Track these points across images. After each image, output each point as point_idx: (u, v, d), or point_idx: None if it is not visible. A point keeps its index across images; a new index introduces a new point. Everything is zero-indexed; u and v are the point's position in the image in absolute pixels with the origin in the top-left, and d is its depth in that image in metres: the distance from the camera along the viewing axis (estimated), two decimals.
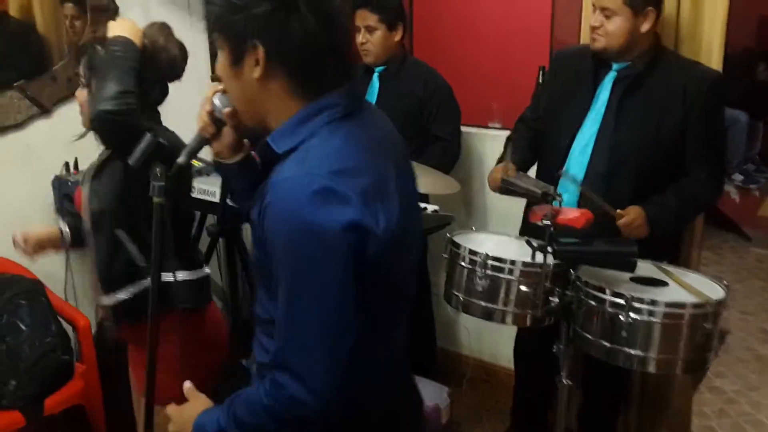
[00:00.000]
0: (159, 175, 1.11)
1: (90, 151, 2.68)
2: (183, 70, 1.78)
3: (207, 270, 1.87)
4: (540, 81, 2.58)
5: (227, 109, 1.14)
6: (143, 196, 1.34)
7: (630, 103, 2.06)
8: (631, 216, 1.99)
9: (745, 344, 3.49)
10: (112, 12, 2.76)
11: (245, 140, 1.22)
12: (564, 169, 2.09)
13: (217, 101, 1.15)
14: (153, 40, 1.72)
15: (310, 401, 0.99)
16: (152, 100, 1.76)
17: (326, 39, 1.04)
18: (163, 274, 1.55)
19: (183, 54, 1.77)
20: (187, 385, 1.21)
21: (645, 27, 2.01)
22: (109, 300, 1.76)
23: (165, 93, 1.78)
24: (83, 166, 2.60)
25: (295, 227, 0.97)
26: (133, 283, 1.73)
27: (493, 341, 3.06)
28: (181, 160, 1.17)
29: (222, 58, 1.08)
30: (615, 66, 2.10)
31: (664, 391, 2.49)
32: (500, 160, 2.32)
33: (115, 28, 1.68)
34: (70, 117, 2.64)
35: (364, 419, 1.11)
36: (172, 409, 1.20)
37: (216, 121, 1.16)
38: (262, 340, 1.18)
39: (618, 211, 1.99)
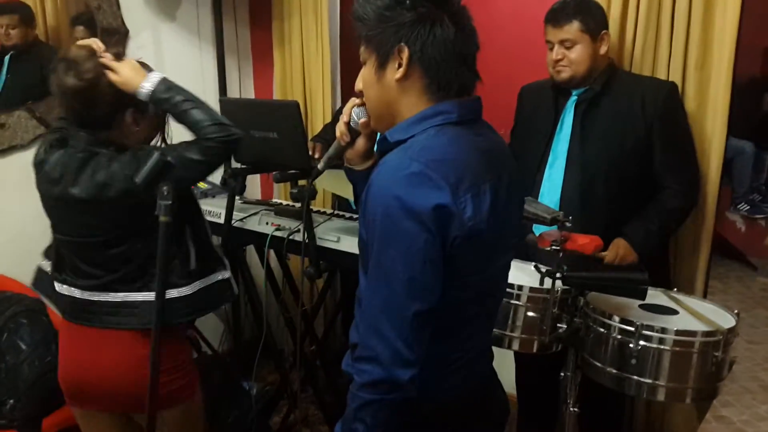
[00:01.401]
0: (165, 193, 1.09)
1: None
2: None
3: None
4: None
5: (363, 120, 1.28)
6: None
7: (593, 122, 2.14)
8: (613, 251, 2.06)
9: (752, 374, 3.45)
10: (123, 35, 2.79)
11: (374, 150, 1.35)
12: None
13: (353, 113, 1.30)
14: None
15: (391, 376, 1.07)
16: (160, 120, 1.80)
17: (460, 49, 1.17)
18: None
19: None
20: None
21: (603, 49, 2.14)
22: None
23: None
24: None
25: (389, 200, 1.07)
26: None
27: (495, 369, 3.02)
28: (320, 166, 1.36)
29: (368, 67, 1.21)
30: (574, 92, 2.19)
31: (668, 420, 2.46)
32: None
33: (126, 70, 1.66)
34: None
35: (435, 410, 1.19)
36: None
37: (351, 130, 1.31)
38: (357, 317, 1.25)
39: (601, 253, 2.03)
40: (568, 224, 1.74)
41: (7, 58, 2.55)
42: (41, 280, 1.87)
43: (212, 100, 3.09)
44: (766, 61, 5.50)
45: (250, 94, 3.39)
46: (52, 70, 1.65)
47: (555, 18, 2.12)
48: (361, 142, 1.33)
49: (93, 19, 2.71)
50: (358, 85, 1.26)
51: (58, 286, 1.77)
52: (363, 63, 1.23)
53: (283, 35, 3.16)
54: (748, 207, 5.16)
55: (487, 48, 3.13)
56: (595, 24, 2.10)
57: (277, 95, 3.29)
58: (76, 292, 1.73)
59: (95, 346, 1.73)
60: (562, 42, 2.11)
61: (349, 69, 3.13)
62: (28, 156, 2.51)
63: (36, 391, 2.18)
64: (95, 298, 1.71)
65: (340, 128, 1.32)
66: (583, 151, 2.13)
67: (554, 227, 1.79)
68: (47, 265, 1.85)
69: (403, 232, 1.06)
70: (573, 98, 2.19)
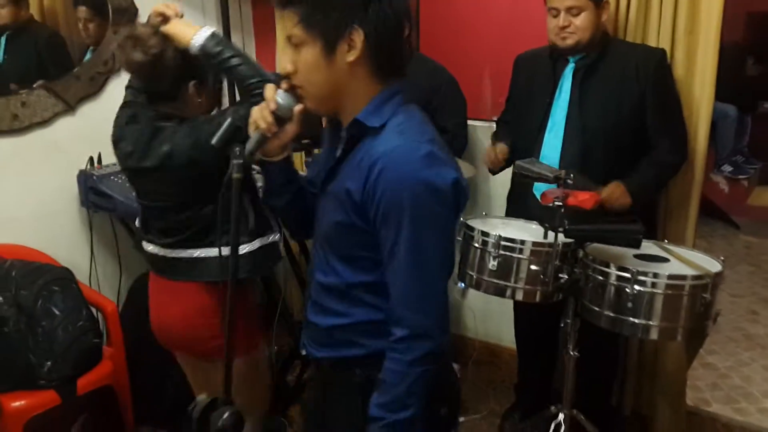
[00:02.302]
0: (238, 153, 1.22)
1: (111, 146, 2.81)
2: None
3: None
4: None
5: (298, 106, 1.24)
6: None
7: (591, 88, 2.25)
8: (609, 189, 2.17)
9: (735, 324, 3.66)
10: (132, 13, 2.87)
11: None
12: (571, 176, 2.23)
13: (281, 100, 1.23)
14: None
15: (435, 341, 1.18)
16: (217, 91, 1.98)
17: (402, 30, 1.21)
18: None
19: None
20: None
21: (604, 17, 2.24)
22: None
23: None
24: (106, 161, 2.72)
25: (416, 184, 1.13)
26: None
27: (497, 324, 3.20)
28: (239, 161, 1.24)
29: (308, 50, 1.18)
30: (572, 59, 2.28)
31: (659, 363, 2.65)
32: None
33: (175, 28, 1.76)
34: (92, 114, 2.77)
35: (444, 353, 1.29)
36: None
37: (278, 119, 1.26)
38: (329, 304, 1.33)
39: (599, 189, 2.15)
40: (569, 182, 1.89)
41: (2, 39, 2.57)
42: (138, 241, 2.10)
43: None
44: (749, 27, 5.65)
45: None
46: (118, 47, 1.77)
47: None
48: (291, 129, 1.30)
49: None
50: (287, 68, 1.22)
51: (144, 245, 2.00)
52: (295, 45, 1.19)
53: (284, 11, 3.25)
54: (732, 168, 5.35)
55: (482, 18, 3.27)
56: None
57: (279, 70, 3.38)
58: (158, 250, 1.96)
59: (173, 296, 1.95)
60: (569, 9, 2.17)
61: None
62: (48, 133, 2.64)
63: (71, 353, 2.31)
64: (172, 255, 1.92)
65: (265, 118, 1.26)
66: (581, 115, 2.25)
67: (555, 185, 1.94)
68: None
69: (436, 215, 1.15)
70: (571, 65, 2.29)
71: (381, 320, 1.27)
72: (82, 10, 2.79)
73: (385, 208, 1.15)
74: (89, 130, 2.73)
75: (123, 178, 2.68)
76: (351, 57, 1.18)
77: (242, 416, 1.13)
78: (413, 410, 1.20)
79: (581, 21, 2.18)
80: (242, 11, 3.38)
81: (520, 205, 2.45)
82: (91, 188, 2.64)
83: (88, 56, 2.80)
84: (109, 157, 2.76)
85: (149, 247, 1.99)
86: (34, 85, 2.59)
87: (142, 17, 2.91)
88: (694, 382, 3.02)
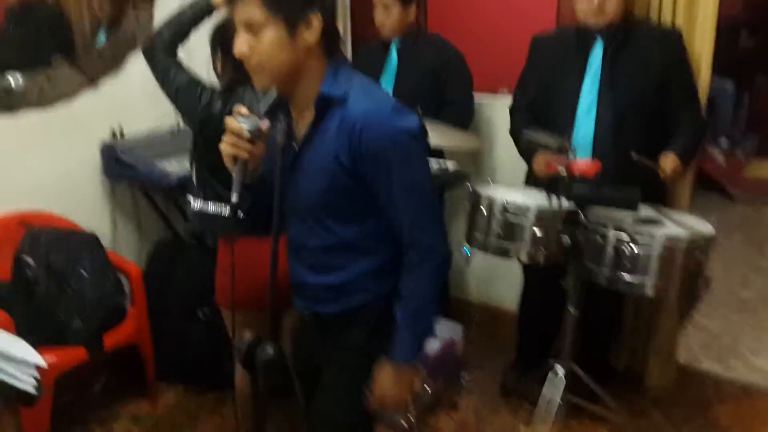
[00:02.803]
0: (235, 198, 1.31)
1: (134, 119, 2.93)
2: None
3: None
4: None
5: (265, 123, 1.34)
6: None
7: (620, 65, 2.35)
8: (671, 164, 2.24)
9: (728, 289, 3.80)
10: None
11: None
12: (572, 147, 2.31)
13: (246, 125, 1.31)
14: None
15: (444, 252, 1.41)
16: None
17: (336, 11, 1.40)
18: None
19: None
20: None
21: None
22: None
23: None
24: (128, 133, 2.83)
25: (395, 133, 1.33)
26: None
27: (499, 288, 3.34)
28: (234, 199, 1.31)
29: (271, 31, 1.28)
30: (598, 38, 2.37)
31: (654, 323, 2.80)
32: (529, 149, 2.47)
33: None
34: (115, 88, 2.87)
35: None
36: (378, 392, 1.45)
37: (252, 141, 1.33)
38: (332, 262, 1.47)
39: (658, 164, 2.23)
40: (573, 151, 2.01)
41: (10, 16, 2.62)
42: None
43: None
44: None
45: None
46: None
47: None
48: (262, 146, 1.37)
49: None
50: (242, 48, 1.30)
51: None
52: (253, 28, 1.28)
53: None
54: (728, 141, 5.47)
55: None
56: None
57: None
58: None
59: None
60: None
61: None
62: (72, 107, 2.75)
63: (99, 312, 2.44)
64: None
65: (243, 147, 1.32)
66: (612, 90, 2.34)
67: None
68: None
69: (415, 152, 1.36)
70: (599, 43, 2.36)
71: (382, 264, 1.46)
72: None
73: (374, 159, 1.33)
74: (111, 104, 2.84)
75: (145, 149, 2.79)
76: (311, 37, 1.31)
77: (284, 351, 1.26)
78: (433, 316, 1.45)
79: (615, 1, 2.27)
80: None
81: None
82: (114, 159, 2.75)
83: (101, 33, 2.88)
84: (131, 130, 2.89)
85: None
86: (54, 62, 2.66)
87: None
88: (688, 342, 3.17)
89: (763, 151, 5.68)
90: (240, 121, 1.31)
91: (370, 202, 1.39)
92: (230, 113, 1.74)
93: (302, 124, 1.42)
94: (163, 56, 1.93)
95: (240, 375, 2.17)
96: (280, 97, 1.40)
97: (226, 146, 1.33)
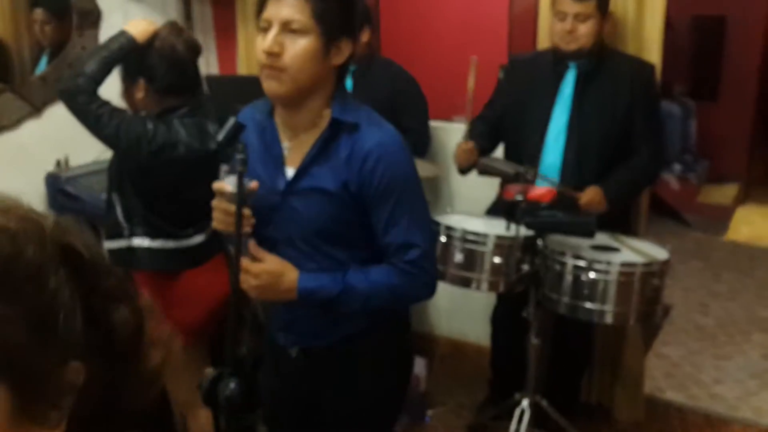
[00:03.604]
0: (240, 150, 1.27)
1: (80, 149, 2.82)
2: (188, 56, 1.97)
3: (172, 243, 2.02)
4: (501, 78, 2.82)
5: (254, 183, 1.32)
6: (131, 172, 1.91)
7: (590, 94, 2.37)
8: (589, 195, 2.27)
9: (687, 317, 3.83)
10: (96, 16, 2.89)
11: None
12: (536, 170, 2.31)
13: (231, 187, 1.29)
14: (159, 35, 1.94)
15: (434, 274, 1.44)
16: (165, 88, 1.94)
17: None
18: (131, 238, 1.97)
19: (187, 45, 1.97)
20: (252, 243, 1.39)
21: (606, 27, 2.35)
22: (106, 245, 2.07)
23: (180, 79, 1.96)
24: (74, 163, 2.73)
25: (406, 165, 1.40)
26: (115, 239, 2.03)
27: (462, 320, 3.30)
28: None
29: (306, 41, 1.30)
30: (572, 64, 2.38)
31: (618, 355, 2.78)
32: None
33: (128, 26, 1.91)
34: (59, 116, 2.76)
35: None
36: (252, 265, 1.36)
37: (243, 201, 1.29)
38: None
39: (578, 194, 2.26)
40: (529, 178, 2.00)
41: None
42: None
43: None
44: (692, 29, 5.89)
45: (214, 69, 3.52)
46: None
47: None
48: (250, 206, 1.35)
49: (53, 1, 2.75)
50: (274, 48, 1.29)
51: (184, 242, 2.06)
52: (293, 31, 1.29)
53: (246, 13, 3.29)
54: (681, 166, 5.58)
55: (440, 22, 3.36)
56: (606, 4, 2.31)
57: (241, 71, 3.43)
58: (203, 237, 2.08)
59: (214, 273, 2.12)
60: (577, 15, 2.25)
61: None
62: (15, 136, 2.63)
63: None
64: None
65: (230, 222, 1.31)
66: (581, 118, 2.35)
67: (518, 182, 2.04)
68: None
69: (417, 182, 1.42)
70: (572, 71, 2.38)
71: None
72: (39, 12, 2.75)
73: (384, 187, 1.35)
74: (56, 133, 2.74)
75: (90, 180, 2.70)
76: (337, 61, 1.35)
77: (250, 386, 1.21)
78: (359, 308, 1.41)
79: (587, 28, 2.28)
80: (203, 12, 3.42)
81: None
82: (59, 190, 2.65)
83: (44, 59, 2.79)
84: (77, 160, 2.79)
85: (194, 240, 2.05)
86: None
87: (106, 20, 2.94)
88: (650, 371, 3.16)
89: (714, 176, 5.82)
90: (225, 184, 1.30)
91: (368, 227, 1.40)
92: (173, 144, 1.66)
93: (299, 148, 1.40)
94: (86, 98, 1.86)
95: (203, 417, 2.12)
96: (238, 123, 1.34)
97: (217, 214, 1.35)
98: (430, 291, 1.46)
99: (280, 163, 1.42)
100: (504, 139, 2.56)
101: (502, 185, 2.51)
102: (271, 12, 1.30)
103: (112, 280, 0.67)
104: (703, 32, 5.82)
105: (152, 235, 1.99)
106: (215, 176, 1.36)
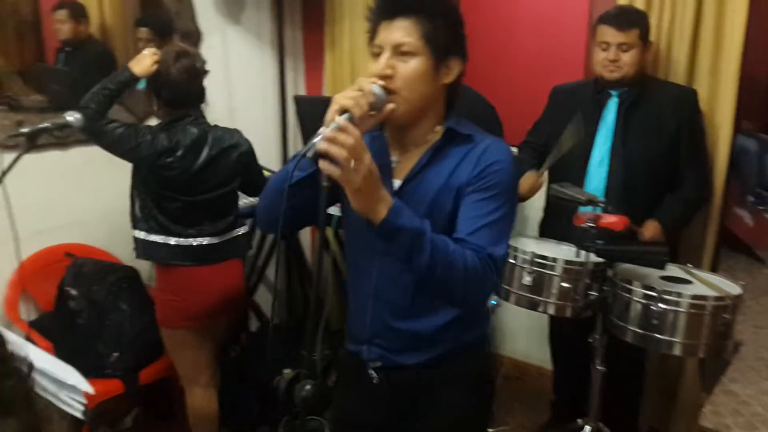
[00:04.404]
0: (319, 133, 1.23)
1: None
2: (184, 78, 2.25)
3: (173, 240, 2.31)
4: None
5: (391, 105, 1.32)
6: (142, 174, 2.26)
7: (633, 121, 2.42)
8: (651, 231, 2.35)
9: (758, 354, 3.75)
10: (197, 37, 3.12)
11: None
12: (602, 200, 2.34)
13: (378, 92, 1.29)
14: (162, 58, 2.25)
15: (498, 268, 1.33)
16: (168, 102, 2.28)
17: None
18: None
19: (181, 72, 2.24)
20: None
21: (648, 56, 2.43)
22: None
23: (177, 96, 2.27)
24: None
25: (514, 176, 1.40)
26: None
27: (526, 342, 3.35)
28: (319, 139, 1.17)
29: (416, 62, 1.33)
30: (614, 92, 2.45)
31: (679, 383, 2.78)
32: (520, 169, 2.60)
33: (132, 63, 2.24)
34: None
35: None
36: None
37: (371, 108, 1.28)
38: (427, 304, 1.44)
39: (640, 229, 2.33)
40: (601, 205, 2.06)
41: (62, 54, 2.76)
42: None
43: (271, 96, 3.46)
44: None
45: (302, 91, 3.72)
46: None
47: (618, 22, 2.34)
48: (370, 124, 1.31)
49: (156, 20, 2.98)
50: (386, 71, 1.31)
51: (185, 241, 2.34)
52: (403, 53, 1.32)
53: (334, 38, 3.48)
54: (754, 199, 5.45)
55: (515, 48, 3.41)
56: (647, 33, 2.39)
57: (327, 92, 3.61)
58: (208, 240, 2.36)
59: (224, 275, 2.43)
60: (620, 45, 2.34)
61: None
62: None
63: (135, 346, 2.51)
64: (221, 240, 2.40)
65: (361, 106, 1.24)
66: (625, 147, 2.42)
67: (589, 208, 2.11)
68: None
69: (516, 197, 1.43)
70: (614, 99, 2.45)
71: (475, 310, 1.47)
72: (143, 31, 2.98)
73: (491, 184, 1.35)
74: None
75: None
76: (447, 79, 1.38)
77: (324, 388, 1.30)
78: (431, 268, 1.26)
79: (630, 57, 2.36)
80: (295, 36, 3.62)
81: (553, 228, 2.61)
82: None
83: None
84: None
85: (194, 242, 2.31)
86: None
87: (206, 40, 3.17)
88: (716, 408, 3.14)
89: None
90: (374, 88, 1.29)
91: None
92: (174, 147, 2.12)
93: (407, 161, 1.42)
94: (92, 123, 2.15)
95: (197, 396, 2.44)
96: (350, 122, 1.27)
97: (343, 97, 1.24)
98: (492, 292, 1.41)
99: (387, 173, 1.41)
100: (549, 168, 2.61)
101: (549, 209, 2.63)
102: (382, 37, 1.35)
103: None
104: None
105: (152, 230, 2.30)
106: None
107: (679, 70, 2.58)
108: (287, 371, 1.25)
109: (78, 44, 2.78)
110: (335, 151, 1.16)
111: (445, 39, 1.35)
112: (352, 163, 1.16)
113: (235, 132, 2.40)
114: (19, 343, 0.97)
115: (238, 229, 2.44)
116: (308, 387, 1.25)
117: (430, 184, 1.39)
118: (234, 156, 2.35)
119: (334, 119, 1.19)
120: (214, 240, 2.36)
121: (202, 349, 2.43)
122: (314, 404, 1.27)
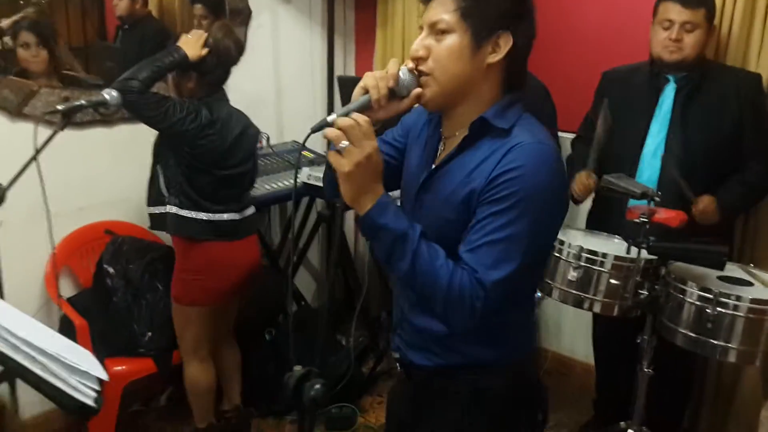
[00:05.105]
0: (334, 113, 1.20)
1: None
2: (237, 56, 2.29)
3: (203, 215, 2.29)
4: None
5: (418, 90, 1.22)
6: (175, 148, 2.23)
7: (692, 109, 2.25)
8: (704, 203, 2.17)
9: None
10: (246, 15, 3.08)
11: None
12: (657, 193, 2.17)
13: (404, 76, 1.21)
14: (214, 37, 2.23)
15: (486, 299, 1.16)
16: (214, 80, 2.27)
17: (531, 48, 1.26)
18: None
19: (237, 46, 2.28)
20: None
21: (710, 39, 2.25)
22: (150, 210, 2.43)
23: (226, 76, 2.30)
24: None
25: (542, 180, 1.16)
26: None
27: (570, 337, 3.21)
28: (333, 117, 1.16)
29: (453, 39, 1.19)
30: (672, 77, 2.27)
31: (737, 390, 2.61)
32: (572, 168, 2.46)
33: (182, 42, 2.21)
34: None
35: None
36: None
37: (391, 94, 1.21)
38: None
39: (694, 198, 2.16)
40: (657, 199, 1.92)
41: (120, 31, 2.77)
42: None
43: (319, 76, 3.39)
44: None
45: (351, 71, 3.64)
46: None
47: (685, 0, 2.18)
48: (396, 108, 1.24)
49: None
50: (420, 52, 1.21)
51: (213, 216, 2.33)
52: (439, 31, 1.20)
53: (386, 17, 3.38)
54: None
55: (570, 32, 3.24)
56: (713, 15, 2.22)
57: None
58: (234, 216, 2.37)
59: (245, 250, 2.44)
60: (684, 24, 2.17)
61: None
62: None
63: (169, 327, 2.50)
64: (242, 216, 2.40)
65: (380, 89, 1.20)
66: (683, 134, 2.25)
67: (643, 201, 1.97)
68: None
69: (547, 202, 1.18)
70: (671, 85, 2.29)
71: (493, 326, 1.27)
72: (198, 8, 2.97)
73: (502, 195, 1.16)
74: None
75: None
76: (493, 59, 1.21)
77: (331, 388, 1.23)
78: (410, 277, 1.19)
79: (693, 39, 2.19)
80: (346, 16, 3.54)
81: (602, 220, 2.47)
82: None
83: None
84: None
85: (223, 216, 2.32)
86: None
87: (255, 18, 3.12)
88: None
89: None
90: (401, 69, 1.22)
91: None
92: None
93: (447, 150, 1.30)
94: (136, 96, 2.10)
95: (195, 369, 2.44)
96: (366, 105, 1.22)
97: (371, 76, 1.21)
98: (468, 323, 1.19)
99: (431, 157, 1.33)
100: (599, 156, 2.45)
101: (598, 201, 2.49)
102: (425, 15, 1.23)
103: None
104: None
105: (184, 206, 2.28)
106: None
107: (739, 56, 2.39)
108: (297, 368, 1.17)
109: (135, 21, 2.80)
110: (326, 130, 1.15)
111: (490, 11, 1.19)
112: (342, 143, 1.14)
113: (243, 114, 2.41)
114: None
115: (251, 206, 2.46)
116: (318, 387, 1.18)
117: (453, 177, 1.25)
118: (252, 134, 2.39)
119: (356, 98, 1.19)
120: (237, 216, 2.37)
121: (207, 327, 2.43)
122: (324, 405, 1.20)
